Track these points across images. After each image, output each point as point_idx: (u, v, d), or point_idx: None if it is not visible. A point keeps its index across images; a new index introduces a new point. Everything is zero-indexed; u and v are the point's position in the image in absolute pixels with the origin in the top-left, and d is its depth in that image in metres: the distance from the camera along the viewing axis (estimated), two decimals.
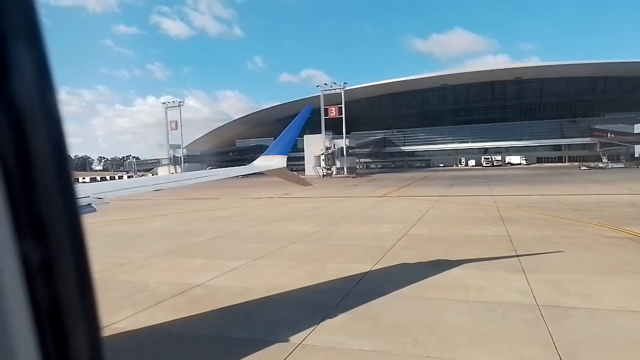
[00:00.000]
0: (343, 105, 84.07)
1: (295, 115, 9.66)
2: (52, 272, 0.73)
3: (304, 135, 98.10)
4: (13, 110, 0.68)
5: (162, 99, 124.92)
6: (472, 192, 32.05)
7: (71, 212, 0.77)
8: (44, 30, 0.72)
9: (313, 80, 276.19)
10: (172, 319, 7.40)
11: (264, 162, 8.90)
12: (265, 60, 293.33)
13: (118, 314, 7.69)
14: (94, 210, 4.65)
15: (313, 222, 18.80)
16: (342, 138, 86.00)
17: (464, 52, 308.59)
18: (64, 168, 0.75)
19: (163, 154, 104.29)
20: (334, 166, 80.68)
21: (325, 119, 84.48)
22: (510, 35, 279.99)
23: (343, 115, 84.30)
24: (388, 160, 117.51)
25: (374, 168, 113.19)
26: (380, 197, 31.48)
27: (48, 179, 0.73)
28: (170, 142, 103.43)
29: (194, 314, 7.65)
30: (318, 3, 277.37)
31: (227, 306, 7.99)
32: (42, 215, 0.72)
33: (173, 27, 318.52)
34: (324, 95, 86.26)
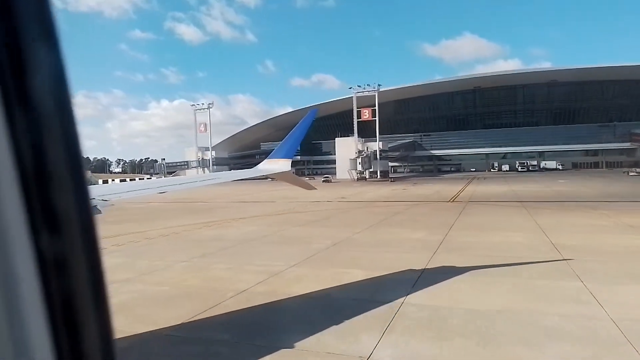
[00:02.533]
0: (377, 108, 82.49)
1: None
2: (66, 269, 0.76)
3: (336, 139, 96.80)
4: (30, 111, 0.71)
5: (192, 102, 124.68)
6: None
7: (84, 211, 0.79)
8: (60, 35, 0.75)
9: (324, 84, 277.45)
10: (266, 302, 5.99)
11: (269, 166, 8.88)
12: (277, 64, 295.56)
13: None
14: (100, 212, 4.57)
15: (425, 230, 17.31)
16: (373, 141, 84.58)
17: (474, 57, 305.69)
18: (78, 168, 0.78)
19: (191, 157, 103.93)
20: (367, 170, 78.98)
21: (353, 121, 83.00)
22: (521, 40, 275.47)
23: (377, 118, 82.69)
24: (417, 164, 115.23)
25: (402, 172, 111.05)
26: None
27: (63, 179, 0.75)
28: (189, 145, 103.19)
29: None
30: (329, 9, 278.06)
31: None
32: (57, 213, 0.75)
33: (187, 32, 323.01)
34: (341, 98, 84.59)
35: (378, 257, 12.24)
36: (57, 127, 0.75)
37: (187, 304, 8.45)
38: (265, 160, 9.08)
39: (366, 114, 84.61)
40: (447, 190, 44.76)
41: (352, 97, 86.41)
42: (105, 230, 19.75)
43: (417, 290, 8.74)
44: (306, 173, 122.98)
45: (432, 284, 9.16)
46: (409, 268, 10.70)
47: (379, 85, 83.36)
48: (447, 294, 8.58)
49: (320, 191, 48.71)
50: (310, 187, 12.62)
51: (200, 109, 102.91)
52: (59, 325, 0.75)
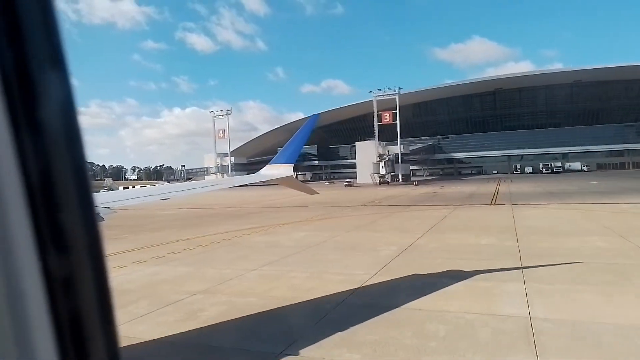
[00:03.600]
0: (397, 111, 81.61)
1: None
2: (72, 282, 0.77)
3: (356, 143, 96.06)
4: (37, 131, 0.74)
5: (204, 109, 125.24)
6: None
7: (91, 226, 0.81)
8: (68, 57, 0.78)
9: (334, 90, 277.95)
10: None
11: (271, 171, 8.86)
12: (287, 71, 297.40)
13: None
14: (102, 219, 4.56)
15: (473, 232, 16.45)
16: (393, 145, 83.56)
17: (484, 60, 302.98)
18: (84, 185, 0.80)
19: (210, 163, 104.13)
20: (389, 174, 78.01)
21: (373, 125, 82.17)
22: (532, 42, 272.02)
23: (397, 121, 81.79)
24: (436, 168, 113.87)
25: (421, 175, 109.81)
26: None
27: (69, 195, 0.78)
28: (203, 152, 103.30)
29: None
30: (338, 16, 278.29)
31: None
32: (63, 228, 0.76)
33: (198, 42, 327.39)
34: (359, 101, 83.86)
35: (461, 266, 11.46)
36: (63, 145, 0.77)
37: (295, 318, 7.80)
38: (268, 165, 9.09)
39: (387, 117, 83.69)
40: (480, 192, 43.70)
41: (366, 101, 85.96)
42: (150, 238, 19.33)
43: (535, 303, 7.95)
44: (323, 177, 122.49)
45: (548, 296, 8.37)
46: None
47: (399, 88, 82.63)
48: (575, 306, 7.79)
49: (347, 195, 48.04)
50: (312, 192, 12.56)
51: (218, 116, 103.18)
52: (66, 339, 0.75)
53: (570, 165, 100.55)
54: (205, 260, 13.66)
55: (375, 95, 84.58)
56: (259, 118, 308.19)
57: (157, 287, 10.41)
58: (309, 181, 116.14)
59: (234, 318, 7.88)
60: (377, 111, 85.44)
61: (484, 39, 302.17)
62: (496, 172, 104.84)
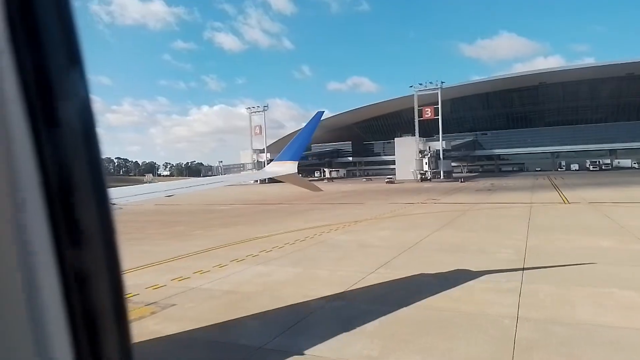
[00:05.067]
0: (439, 106, 79.47)
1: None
2: (87, 277, 0.79)
3: (395, 139, 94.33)
4: (56, 131, 0.76)
5: (246, 105, 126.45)
6: None
7: (106, 223, 0.83)
8: (85, 59, 0.80)
9: (359, 87, 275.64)
10: None
11: (275, 168, 8.85)
12: (313, 69, 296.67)
13: None
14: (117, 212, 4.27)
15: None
16: (432, 141, 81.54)
17: (512, 55, 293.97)
18: (100, 184, 0.82)
19: (247, 159, 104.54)
20: (429, 170, 76.14)
21: (401, 121, 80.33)
22: (561, 37, 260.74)
23: (439, 116, 79.65)
24: (476, 164, 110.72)
25: (459, 172, 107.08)
26: None
27: (85, 190, 0.80)
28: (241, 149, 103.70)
29: None
30: (363, 13, 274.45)
31: None
32: (79, 222, 0.79)
33: (226, 41, 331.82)
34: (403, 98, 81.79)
35: (611, 273, 10.25)
36: (80, 143, 0.79)
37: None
38: (272, 162, 9.18)
39: (428, 113, 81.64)
40: (540, 188, 41.60)
41: (402, 97, 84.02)
42: (224, 235, 18.74)
43: None
44: (357, 174, 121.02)
45: None
46: None
47: (442, 82, 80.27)
48: None
49: (398, 192, 46.75)
50: (316, 189, 12.50)
51: (255, 112, 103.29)
52: (80, 334, 0.77)
53: (619, 162, 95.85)
54: (307, 260, 12.90)
55: (416, 90, 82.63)
56: (286, 115, 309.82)
57: (281, 290, 9.66)
58: (342, 178, 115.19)
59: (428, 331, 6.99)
60: (417, 106, 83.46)
61: (511, 34, 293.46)
62: (539, 169, 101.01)
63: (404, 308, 7.99)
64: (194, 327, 7.39)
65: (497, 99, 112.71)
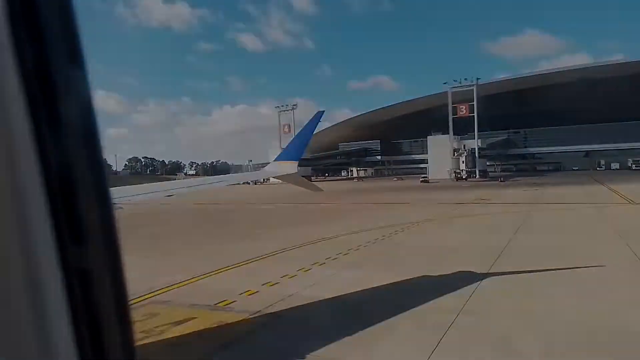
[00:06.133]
0: (475, 103, 77.22)
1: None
2: (89, 275, 0.79)
3: (428, 137, 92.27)
4: (57, 129, 0.76)
5: (268, 105, 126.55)
6: None
7: (107, 219, 0.83)
8: (86, 57, 0.80)
9: (381, 86, 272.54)
10: None
11: (276, 168, 8.74)
12: (334, 68, 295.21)
13: None
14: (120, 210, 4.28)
15: None
16: (467, 139, 79.35)
17: (537, 53, 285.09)
18: (102, 182, 0.82)
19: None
20: (465, 169, 74.06)
21: (430, 119, 78.32)
22: (589, 34, 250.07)
23: (475, 114, 77.42)
24: (510, 163, 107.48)
25: (493, 171, 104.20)
26: None
27: (86, 188, 0.80)
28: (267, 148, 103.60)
29: None
30: (385, 13, 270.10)
31: None
32: (81, 221, 0.79)
33: (248, 42, 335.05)
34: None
35: None
36: (82, 141, 0.79)
37: None
38: (272, 162, 9.16)
39: (462, 110, 79.47)
40: (594, 190, 39.36)
41: (433, 95, 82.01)
42: (289, 236, 17.78)
43: None
44: (386, 174, 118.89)
45: None
46: None
47: (477, 79, 78.08)
48: None
49: (439, 192, 45.13)
50: (317, 189, 12.24)
51: (284, 110, 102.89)
52: (84, 333, 0.77)
53: None
54: (393, 265, 11.85)
55: (450, 86, 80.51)
56: (308, 115, 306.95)
57: (402, 299, 8.62)
58: (370, 177, 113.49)
59: None
60: (451, 104, 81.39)
61: (536, 32, 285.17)
62: (577, 168, 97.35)
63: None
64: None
65: (529, 96, 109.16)
